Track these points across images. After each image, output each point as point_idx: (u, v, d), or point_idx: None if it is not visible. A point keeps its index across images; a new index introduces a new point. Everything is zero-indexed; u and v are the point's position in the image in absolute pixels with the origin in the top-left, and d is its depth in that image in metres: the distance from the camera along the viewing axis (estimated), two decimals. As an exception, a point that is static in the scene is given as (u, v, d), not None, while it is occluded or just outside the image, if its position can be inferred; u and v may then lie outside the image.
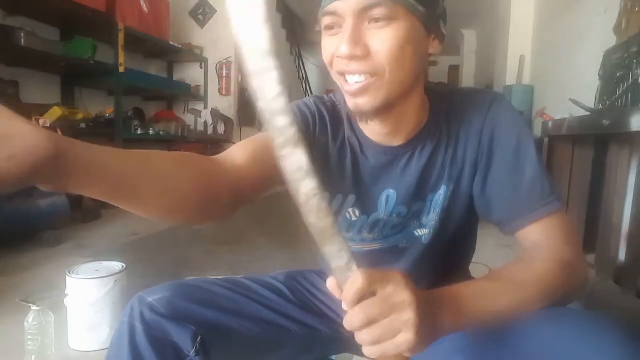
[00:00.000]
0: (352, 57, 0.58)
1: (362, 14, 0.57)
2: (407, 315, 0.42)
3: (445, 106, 0.71)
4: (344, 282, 0.43)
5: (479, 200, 0.70)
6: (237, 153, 0.62)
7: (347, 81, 0.61)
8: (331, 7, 0.58)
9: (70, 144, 0.38)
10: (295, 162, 0.39)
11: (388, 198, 0.73)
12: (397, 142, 0.71)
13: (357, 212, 0.75)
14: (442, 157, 0.70)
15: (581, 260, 0.62)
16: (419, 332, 0.43)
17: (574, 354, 0.47)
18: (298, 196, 0.40)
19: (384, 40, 0.57)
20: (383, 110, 0.62)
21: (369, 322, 0.43)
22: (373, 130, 0.71)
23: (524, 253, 0.63)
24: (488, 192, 0.68)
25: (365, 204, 0.74)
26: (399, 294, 0.43)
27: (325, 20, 0.60)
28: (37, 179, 0.35)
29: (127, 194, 0.45)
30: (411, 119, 0.69)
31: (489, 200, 0.68)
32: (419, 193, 0.72)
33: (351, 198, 0.75)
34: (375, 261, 0.78)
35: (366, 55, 0.58)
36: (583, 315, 0.52)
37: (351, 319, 0.43)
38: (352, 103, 0.62)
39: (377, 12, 0.56)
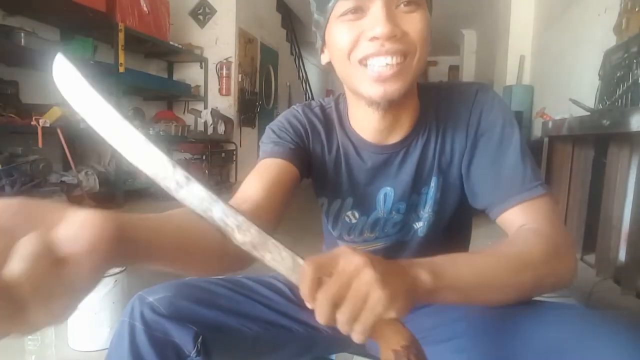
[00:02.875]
0: (390, 37, 0.56)
1: None
2: (366, 275, 0.41)
3: (433, 99, 0.71)
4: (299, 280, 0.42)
5: (465, 186, 0.70)
6: (253, 190, 0.62)
7: (369, 67, 0.59)
8: None
9: (129, 224, 0.35)
10: (195, 196, 0.40)
11: (386, 196, 0.73)
12: (392, 139, 0.71)
13: (357, 214, 0.76)
14: (432, 149, 0.70)
15: (568, 243, 0.60)
16: (386, 285, 0.41)
17: (581, 352, 0.47)
18: (214, 223, 0.41)
19: (415, 22, 0.58)
20: (404, 97, 0.62)
21: (335, 303, 0.41)
22: (369, 130, 0.71)
23: (511, 235, 0.62)
24: (472, 178, 0.69)
25: (364, 205, 0.74)
26: (350, 262, 0.42)
27: (345, 5, 0.58)
28: (107, 263, 0.32)
29: (178, 264, 0.46)
30: (408, 114, 0.69)
31: (474, 185, 0.68)
32: (415, 187, 0.72)
33: (349, 201, 0.75)
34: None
35: (402, 34, 0.58)
36: (591, 315, 0.52)
37: (319, 311, 0.42)
38: (378, 90, 0.59)
39: None
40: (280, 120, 0.76)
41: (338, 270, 0.41)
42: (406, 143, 0.71)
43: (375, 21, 0.56)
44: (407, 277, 0.46)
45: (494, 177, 0.65)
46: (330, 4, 0.60)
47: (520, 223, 0.62)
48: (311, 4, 0.65)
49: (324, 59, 0.68)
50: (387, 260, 0.46)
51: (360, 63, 0.60)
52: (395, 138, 0.71)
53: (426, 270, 0.47)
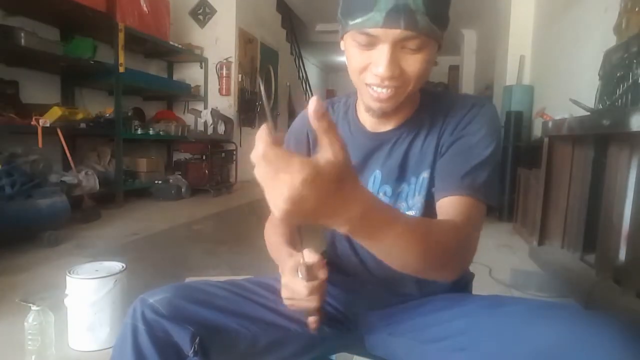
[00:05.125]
0: (390, 78, 0.65)
1: (400, 42, 0.64)
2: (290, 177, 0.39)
3: (432, 103, 0.79)
4: None
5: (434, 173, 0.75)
6: None
7: (373, 89, 0.68)
8: (373, 31, 0.63)
9: None
10: None
11: (375, 178, 0.79)
12: (385, 128, 0.79)
13: None
14: (421, 143, 0.77)
15: (475, 245, 0.66)
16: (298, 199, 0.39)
17: (578, 352, 0.47)
18: None
19: (415, 64, 0.66)
20: (396, 108, 0.72)
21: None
22: (368, 120, 0.80)
23: (440, 219, 0.67)
24: (438, 167, 0.74)
25: None
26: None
27: (360, 38, 0.65)
28: None
29: None
30: (401, 112, 0.77)
31: (437, 170, 0.74)
32: (402, 175, 0.78)
33: None
34: None
35: (400, 75, 0.66)
36: (588, 315, 0.52)
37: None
38: (377, 106, 0.70)
39: (413, 43, 0.64)
40: (292, 129, 0.90)
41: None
42: (396, 133, 0.78)
43: (379, 62, 0.65)
44: (329, 213, 0.43)
45: (451, 170, 0.71)
46: (349, 26, 0.66)
47: (450, 212, 0.67)
48: (338, 6, 0.70)
49: (342, 46, 0.74)
50: (335, 193, 0.41)
51: (366, 84, 0.69)
52: (387, 128, 0.79)
53: (349, 225, 0.45)
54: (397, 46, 0.64)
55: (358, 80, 0.70)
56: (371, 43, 0.65)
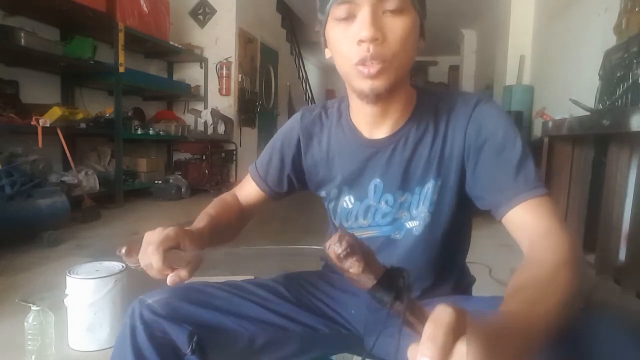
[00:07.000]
0: (374, 40, 0.63)
1: (378, 3, 0.63)
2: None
3: (433, 104, 0.75)
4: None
5: (472, 192, 0.72)
6: (248, 193, 0.89)
7: (361, 69, 0.66)
8: None
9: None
10: None
11: (376, 187, 0.77)
12: (381, 134, 0.76)
13: (352, 199, 0.80)
14: (427, 150, 0.73)
15: (574, 241, 0.59)
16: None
17: (580, 351, 0.47)
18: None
19: (396, 27, 0.64)
20: (390, 92, 0.68)
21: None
22: (361, 121, 0.77)
23: (527, 258, 0.59)
24: (478, 182, 0.70)
25: (358, 191, 0.79)
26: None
27: (340, 10, 0.65)
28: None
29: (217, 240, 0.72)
30: (397, 108, 0.74)
31: (480, 189, 0.70)
32: (406, 184, 0.75)
33: (344, 187, 0.80)
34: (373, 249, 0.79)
35: (383, 39, 0.64)
36: (587, 314, 0.52)
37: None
38: (368, 85, 0.67)
39: (391, 2, 0.63)
40: (282, 131, 0.87)
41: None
42: (394, 139, 0.75)
43: (362, 26, 0.63)
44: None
45: (497, 180, 0.67)
46: (328, 6, 0.66)
47: (524, 221, 0.63)
48: (316, 3, 0.70)
49: (327, 53, 0.73)
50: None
51: (355, 64, 0.66)
52: (383, 133, 0.75)
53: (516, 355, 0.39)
54: (377, 9, 0.63)
55: (347, 66, 0.68)
56: (351, 13, 0.64)
